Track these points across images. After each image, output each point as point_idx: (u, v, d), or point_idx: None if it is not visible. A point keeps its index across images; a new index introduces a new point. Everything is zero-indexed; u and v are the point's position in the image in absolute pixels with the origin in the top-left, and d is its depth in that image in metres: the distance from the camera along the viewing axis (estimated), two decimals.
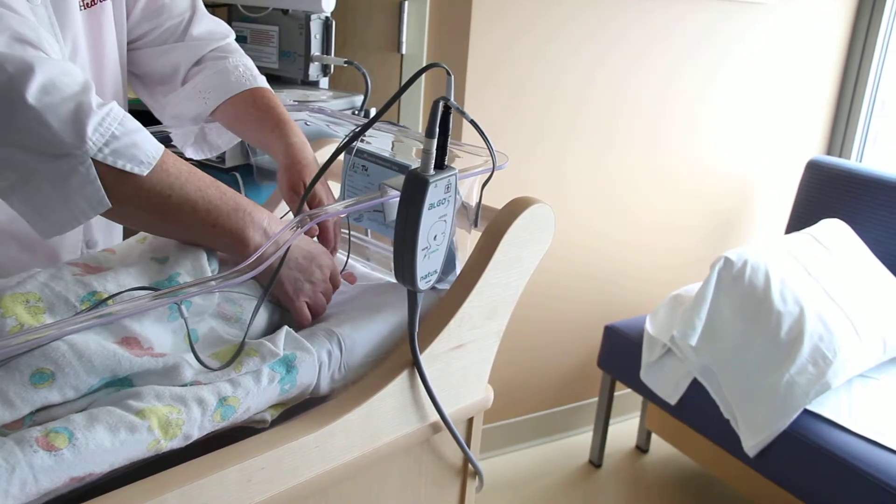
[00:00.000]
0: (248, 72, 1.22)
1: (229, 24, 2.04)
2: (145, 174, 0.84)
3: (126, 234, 1.28)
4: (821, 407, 2.05)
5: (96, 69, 1.13)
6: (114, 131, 0.83)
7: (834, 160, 2.77)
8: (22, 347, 0.71)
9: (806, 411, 2.04)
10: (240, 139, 1.29)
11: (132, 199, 0.86)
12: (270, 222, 0.93)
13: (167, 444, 0.76)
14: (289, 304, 0.97)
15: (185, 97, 1.22)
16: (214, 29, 1.25)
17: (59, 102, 0.80)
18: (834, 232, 2.46)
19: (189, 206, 0.88)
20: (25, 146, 0.80)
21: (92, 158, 0.81)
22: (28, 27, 0.86)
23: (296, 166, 1.09)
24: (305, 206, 1.03)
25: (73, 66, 0.86)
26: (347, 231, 1.22)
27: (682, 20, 2.53)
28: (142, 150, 0.85)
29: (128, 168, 0.83)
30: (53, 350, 0.74)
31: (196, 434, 0.78)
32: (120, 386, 0.78)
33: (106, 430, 0.71)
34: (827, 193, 2.70)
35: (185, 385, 0.79)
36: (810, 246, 2.36)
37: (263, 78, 1.24)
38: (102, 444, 0.71)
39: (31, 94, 0.79)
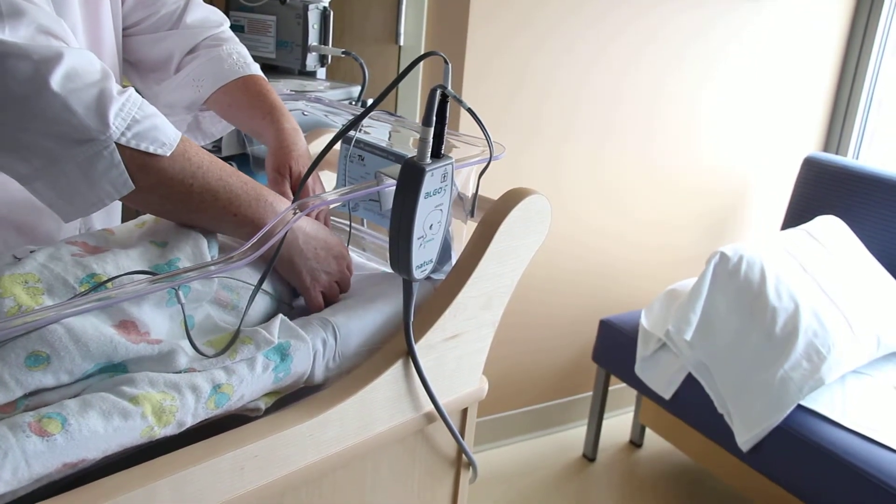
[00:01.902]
0: (241, 59, 1.22)
1: (226, 13, 2.04)
2: (168, 154, 0.86)
3: (125, 220, 1.28)
4: (814, 402, 2.06)
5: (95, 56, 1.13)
6: (135, 115, 0.85)
7: (830, 157, 2.77)
8: (19, 329, 0.71)
9: (800, 407, 2.04)
10: (234, 127, 1.29)
11: (155, 184, 0.88)
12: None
13: (160, 431, 0.76)
14: (304, 293, 0.99)
15: (178, 85, 1.22)
16: (209, 17, 1.25)
17: (82, 89, 0.82)
18: (830, 229, 2.47)
19: (211, 194, 0.90)
20: (51, 133, 0.82)
21: (115, 142, 0.83)
22: (51, 19, 0.88)
23: (284, 150, 1.10)
24: (308, 190, 1.04)
25: (92, 55, 0.87)
26: (348, 223, 1.22)
27: (679, 15, 2.53)
28: (163, 133, 0.86)
29: (151, 150, 0.85)
30: (50, 333, 0.74)
31: (190, 421, 0.78)
32: (114, 371, 0.78)
33: (99, 416, 0.71)
34: (823, 190, 2.71)
35: (180, 372, 0.79)
36: (806, 242, 2.37)
37: (257, 66, 1.24)
38: (95, 430, 0.71)
39: (56, 81, 0.81)
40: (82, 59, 0.84)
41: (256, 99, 1.17)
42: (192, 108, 1.24)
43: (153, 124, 0.86)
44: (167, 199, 0.90)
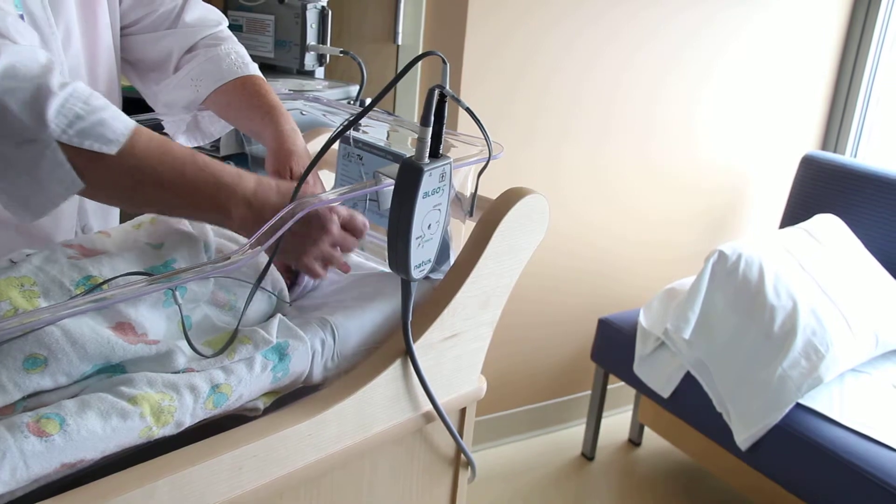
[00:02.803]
0: (239, 59, 1.21)
1: (225, 12, 2.03)
2: (115, 153, 0.83)
3: (123, 220, 1.28)
4: (813, 401, 2.06)
5: (90, 54, 1.12)
6: (78, 111, 0.81)
7: (829, 155, 2.77)
8: (16, 331, 0.71)
9: (798, 405, 2.04)
10: (233, 127, 1.29)
11: (105, 180, 0.85)
12: (258, 192, 0.90)
13: (159, 431, 0.76)
14: (299, 269, 0.97)
15: (176, 84, 1.21)
16: (207, 16, 1.25)
17: (16, 87, 0.79)
18: (828, 227, 2.47)
19: (165, 188, 0.87)
20: None
21: (57, 141, 0.80)
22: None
23: (284, 151, 1.09)
24: (308, 188, 1.03)
25: (39, 51, 0.85)
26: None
27: (678, 13, 2.52)
28: (109, 129, 0.83)
29: (95, 148, 0.81)
30: (47, 335, 0.74)
31: (188, 421, 0.78)
32: (112, 372, 0.78)
33: (97, 417, 0.71)
34: (821, 188, 2.70)
35: (178, 372, 0.79)
36: (804, 241, 2.37)
37: (255, 66, 1.23)
38: (94, 431, 0.71)
39: None
40: (22, 56, 0.81)
41: (255, 99, 1.16)
42: (191, 107, 1.23)
43: (99, 119, 0.82)
44: (120, 195, 0.88)
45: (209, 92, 1.19)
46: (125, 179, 0.85)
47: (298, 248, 0.94)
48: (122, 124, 0.84)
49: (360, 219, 0.98)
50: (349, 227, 0.97)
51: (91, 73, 1.13)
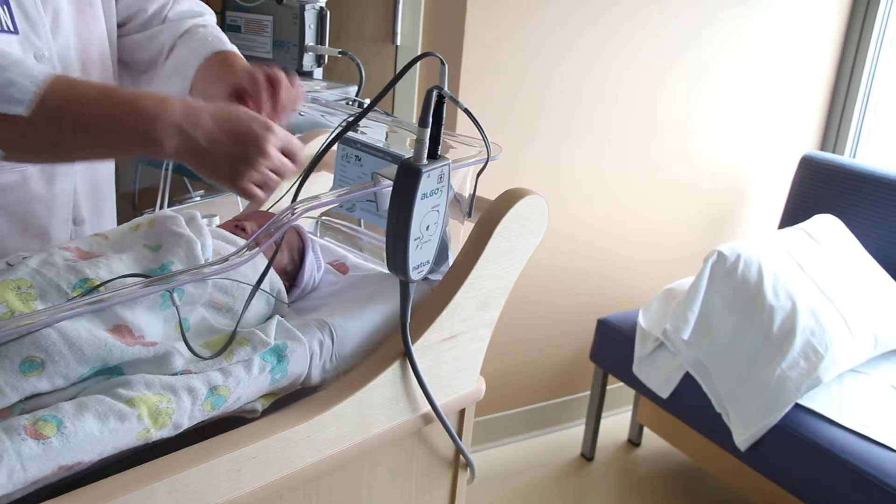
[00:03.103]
0: (216, 39, 1.20)
1: (223, 13, 2.04)
2: (26, 114, 0.81)
3: (120, 218, 1.28)
4: (812, 401, 2.06)
5: (81, 43, 1.12)
6: None
7: (827, 156, 2.77)
8: (12, 334, 0.71)
9: (797, 405, 2.04)
10: None
11: (23, 141, 0.83)
12: (187, 115, 0.88)
13: (157, 433, 0.75)
14: (231, 191, 0.94)
15: (165, 78, 1.22)
16: (191, 8, 1.26)
17: None
18: (827, 227, 2.47)
19: (87, 130, 0.85)
20: None
21: None
22: None
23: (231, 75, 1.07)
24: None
25: None
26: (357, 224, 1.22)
27: (677, 14, 2.52)
28: (17, 88, 0.81)
29: (3, 110, 0.80)
30: (44, 338, 0.74)
31: (186, 423, 0.78)
32: (110, 374, 0.78)
33: (95, 419, 0.71)
34: (820, 189, 2.70)
35: (176, 374, 0.79)
36: (803, 241, 2.37)
37: (235, 48, 1.22)
38: (91, 433, 0.70)
39: None
40: None
41: (230, 67, 1.14)
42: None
43: (6, 79, 0.81)
44: (44, 148, 0.86)
45: (192, 74, 1.17)
46: (44, 134, 0.84)
47: (233, 169, 0.91)
48: (30, 80, 0.82)
49: (297, 143, 0.95)
50: (286, 151, 0.94)
51: (82, 61, 1.13)
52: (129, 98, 0.87)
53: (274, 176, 0.94)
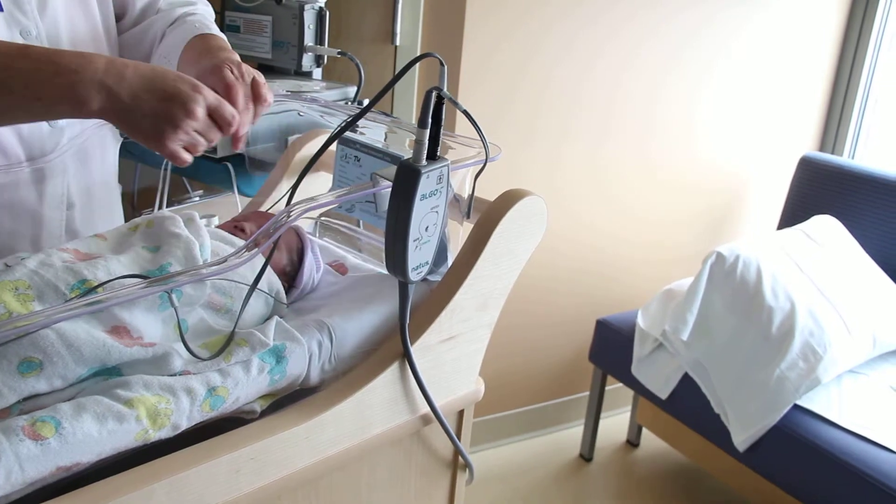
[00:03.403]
0: (203, 26, 1.18)
1: (222, 13, 2.04)
2: None
3: (124, 215, 1.28)
4: (811, 402, 2.06)
5: (73, 24, 1.11)
6: None
7: (826, 157, 2.77)
8: (10, 335, 0.71)
9: (796, 406, 2.04)
10: None
11: None
12: (108, 71, 0.86)
13: (155, 434, 0.75)
14: (156, 151, 0.92)
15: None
16: None
17: None
18: (825, 228, 2.47)
19: (7, 92, 0.83)
20: None
21: None
22: None
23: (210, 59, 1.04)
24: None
25: None
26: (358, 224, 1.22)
27: (677, 14, 2.52)
28: None
29: None
30: (42, 339, 0.73)
31: (185, 424, 0.78)
32: (108, 375, 0.78)
33: (93, 420, 0.71)
34: (819, 190, 2.71)
35: (175, 375, 0.79)
36: (802, 242, 2.37)
37: (222, 35, 1.20)
38: (90, 434, 0.70)
39: None
40: None
41: (210, 52, 1.10)
42: None
43: None
44: None
45: (177, 59, 1.15)
46: None
47: (157, 128, 0.89)
48: None
49: (230, 109, 0.92)
50: (215, 116, 0.92)
51: (73, 42, 1.10)
52: (48, 54, 0.85)
53: (201, 139, 0.92)
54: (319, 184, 1.27)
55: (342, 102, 1.86)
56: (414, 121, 0.82)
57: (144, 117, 0.88)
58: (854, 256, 2.42)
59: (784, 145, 3.00)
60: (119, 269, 0.84)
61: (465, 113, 0.86)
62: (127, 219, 1.00)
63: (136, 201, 1.91)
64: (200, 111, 0.89)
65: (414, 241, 0.84)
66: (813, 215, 2.56)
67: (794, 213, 2.75)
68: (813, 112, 3.05)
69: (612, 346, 2.53)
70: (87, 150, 1.17)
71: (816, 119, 3.07)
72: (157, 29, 1.22)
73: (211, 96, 0.91)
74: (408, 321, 0.93)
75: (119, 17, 1.22)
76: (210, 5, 1.30)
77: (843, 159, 2.80)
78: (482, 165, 0.97)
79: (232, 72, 0.99)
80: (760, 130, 2.92)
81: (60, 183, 1.13)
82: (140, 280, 0.81)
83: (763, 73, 2.82)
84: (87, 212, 1.20)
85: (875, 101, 3.01)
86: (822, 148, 3.12)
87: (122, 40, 1.22)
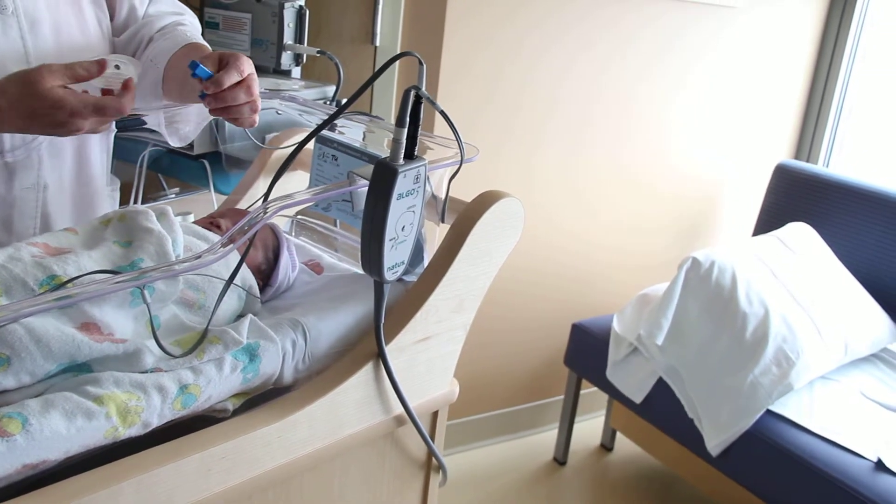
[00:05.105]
0: (193, 35, 1.22)
1: (202, 10, 2.03)
2: None
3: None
4: (783, 407, 2.07)
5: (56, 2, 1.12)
6: None
7: (802, 165, 2.80)
8: None
9: (768, 412, 2.06)
10: (205, 124, 1.28)
11: None
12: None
13: (125, 432, 0.74)
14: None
15: (142, 70, 1.22)
16: (167, 8, 1.27)
17: None
18: (800, 235, 2.49)
19: None
20: None
21: None
22: None
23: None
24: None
25: None
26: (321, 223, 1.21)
27: (653, 22, 2.54)
28: None
29: None
30: (9, 334, 0.72)
31: (155, 422, 0.77)
32: (78, 372, 0.77)
33: (62, 417, 0.70)
34: (794, 197, 2.73)
35: (146, 372, 0.78)
36: (776, 249, 2.38)
37: (206, 43, 1.23)
38: (58, 431, 0.69)
39: None
40: None
41: (197, 50, 1.16)
42: (156, 89, 1.22)
43: None
44: None
45: (165, 64, 1.18)
46: None
47: (55, 131, 0.94)
48: None
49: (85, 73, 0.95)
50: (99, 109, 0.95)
51: (56, 21, 1.12)
52: None
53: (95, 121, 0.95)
54: (296, 182, 1.27)
55: (321, 101, 1.86)
56: (393, 121, 0.82)
57: (23, 122, 0.92)
58: (827, 264, 2.44)
59: (760, 153, 3.02)
60: (90, 264, 0.83)
61: (442, 113, 0.86)
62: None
63: None
64: (88, 126, 0.94)
65: (390, 240, 0.84)
66: (788, 222, 2.58)
67: (769, 220, 2.77)
68: (789, 121, 3.08)
69: (587, 350, 2.54)
70: (60, 144, 1.16)
71: (792, 127, 3.10)
72: (143, 34, 1.23)
73: (88, 111, 0.93)
74: (382, 321, 0.93)
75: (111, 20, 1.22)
76: (196, 17, 1.31)
77: (818, 167, 2.82)
78: (458, 166, 0.96)
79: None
80: (737, 138, 2.95)
81: (34, 174, 1.13)
82: (111, 275, 0.80)
83: (739, 81, 2.84)
84: (62, 196, 1.19)
85: (849, 111, 3.05)
86: (797, 156, 3.15)
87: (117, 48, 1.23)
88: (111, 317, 0.80)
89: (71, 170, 1.20)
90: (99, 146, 1.25)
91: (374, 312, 0.92)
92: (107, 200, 1.30)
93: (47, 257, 0.82)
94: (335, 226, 1.25)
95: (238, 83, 1.03)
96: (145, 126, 1.32)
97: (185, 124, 1.29)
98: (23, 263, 0.80)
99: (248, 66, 1.05)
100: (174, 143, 1.29)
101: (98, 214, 1.24)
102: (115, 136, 1.32)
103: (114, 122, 1.21)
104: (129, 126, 1.51)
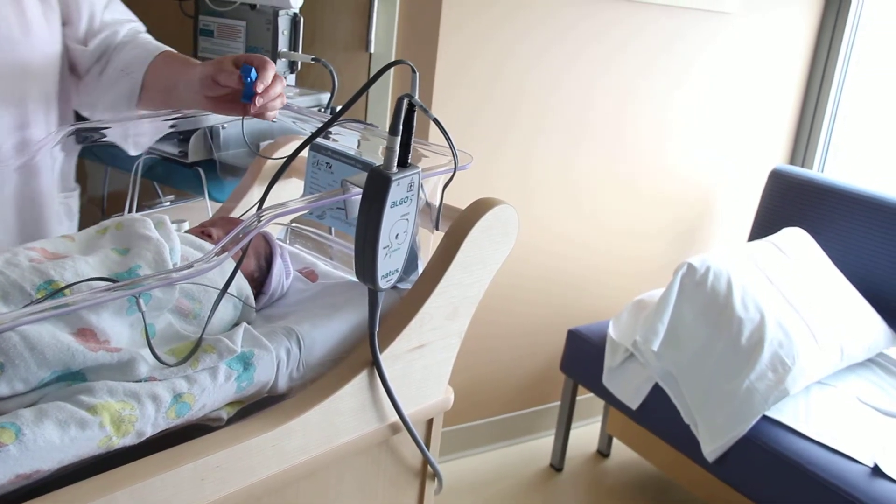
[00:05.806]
0: (160, 44, 1.27)
1: (196, 17, 2.03)
2: None
3: (87, 223, 1.26)
4: (779, 413, 2.07)
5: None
6: None
7: (796, 170, 2.80)
8: None
9: (765, 417, 2.06)
10: (162, 133, 1.32)
11: None
12: None
13: (119, 441, 0.74)
14: None
15: (110, 80, 1.25)
16: (121, 16, 1.31)
17: None
18: (795, 240, 2.49)
19: None
20: None
21: None
22: None
23: (208, 65, 1.12)
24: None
25: None
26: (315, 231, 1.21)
27: (648, 27, 2.54)
28: None
29: None
30: (4, 341, 0.72)
31: (149, 431, 0.77)
32: (72, 380, 0.77)
33: (55, 426, 0.70)
34: (789, 202, 2.73)
35: (140, 381, 0.78)
36: (772, 254, 2.39)
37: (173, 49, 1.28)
38: (51, 441, 0.69)
39: None
40: None
41: (185, 62, 1.21)
42: (132, 99, 1.24)
43: None
44: None
45: (143, 73, 1.22)
46: None
47: None
48: None
49: None
50: None
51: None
52: None
53: None
54: (291, 190, 1.26)
55: (315, 109, 1.86)
56: (387, 128, 0.82)
57: None
58: (823, 269, 2.44)
59: (755, 158, 3.03)
60: (87, 270, 0.83)
61: (435, 121, 0.86)
62: (95, 224, 0.99)
63: (105, 206, 1.89)
64: None
65: (384, 248, 0.84)
66: (783, 227, 2.58)
67: (764, 225, 2.77)
68: (783, 126, 3.09)
69: (583, 357, 2.53)
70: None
71: (787, 133, 3.11)
72: (103, 44, 1.27)
73: None
74: (377, 329, 0.92)
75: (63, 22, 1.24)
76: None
77: (813, 172, 2.83)
78: (452, 174, 0.97)
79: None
80: (732, 143, 2.95)
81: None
82: (108, 283, 0.80)
83: (734, 87, 2.85)
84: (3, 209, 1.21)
85: (844, 115, 3.05)
86: (792, 161, 3.16)
87: (75, 57, 1.24)
88: (108, 323, 0.80)
89: (15, 183, 1.22)
90: (51, 157, 1.27)
91: (369, 320, 0.92)
92: (61, 209, 1.31)
93: (45, 262, 0.82)
94: (330, 234, 1.25)
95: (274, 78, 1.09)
96: (105, 139, 1.33)
97: (144, 136, 1.32)
98: (20, 269, 0.80)
99: (271, 63, 1.10)
100: (133, 153, 1.32)
101: (49, 226, 1.26)
102: (94, 146, 1.34)
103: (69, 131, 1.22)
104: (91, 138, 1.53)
